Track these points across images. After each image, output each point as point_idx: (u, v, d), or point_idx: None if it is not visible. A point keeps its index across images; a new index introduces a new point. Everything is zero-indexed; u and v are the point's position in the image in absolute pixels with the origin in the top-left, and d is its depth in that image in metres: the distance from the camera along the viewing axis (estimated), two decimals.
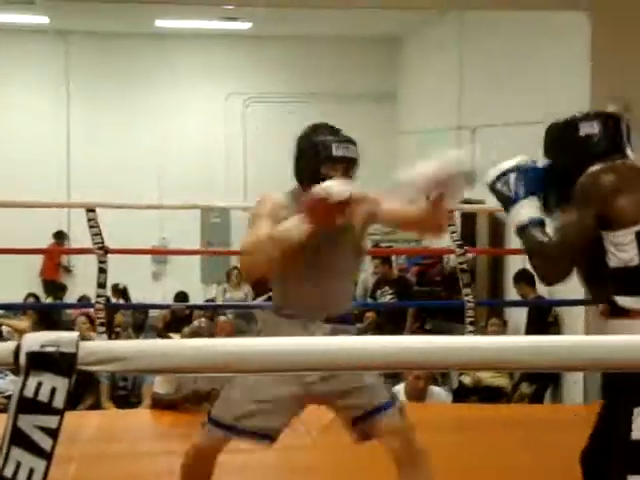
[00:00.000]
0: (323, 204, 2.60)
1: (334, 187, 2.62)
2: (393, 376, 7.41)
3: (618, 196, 2.51)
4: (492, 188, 2.73)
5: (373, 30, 11.25)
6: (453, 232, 5.36)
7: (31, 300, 9.62)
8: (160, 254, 11.67)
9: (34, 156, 11.44)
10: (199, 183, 11.27)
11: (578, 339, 1.44)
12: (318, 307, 2.83)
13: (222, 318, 7.88)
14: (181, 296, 10.18)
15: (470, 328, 5.30)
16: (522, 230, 2.64)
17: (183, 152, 11.78)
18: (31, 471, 1.31)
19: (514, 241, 9.26)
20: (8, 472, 1.31)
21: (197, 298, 10.76)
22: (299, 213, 2.67)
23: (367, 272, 10.25)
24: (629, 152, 2.67)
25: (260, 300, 9.19)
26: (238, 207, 10.82)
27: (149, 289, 10.86)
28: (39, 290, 10.91)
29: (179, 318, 8.68)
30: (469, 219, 9.11)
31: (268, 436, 2.84)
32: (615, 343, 1.42)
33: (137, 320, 9.00)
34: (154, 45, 11.63)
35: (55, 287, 11.16)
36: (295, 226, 2.65)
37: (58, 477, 1.47)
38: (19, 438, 1.30)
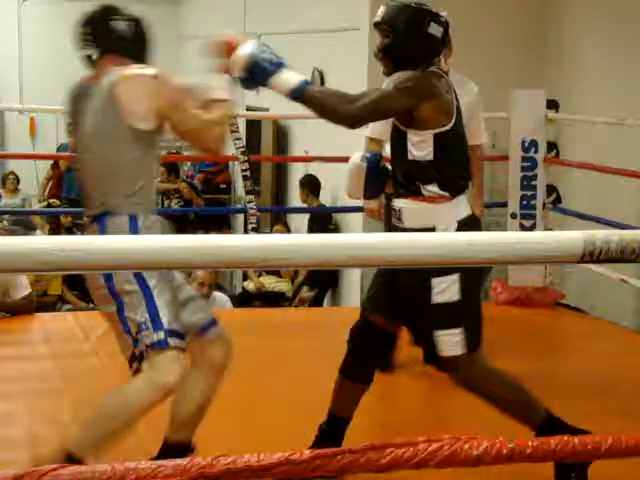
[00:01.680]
0: None
1: None
2: None
3: (431, 101, 2.78)
4: (251, 62, 2.86)
5: None
6: (237, 139, 5.36)
7: None
8: None
9: None
10: None
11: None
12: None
13: None
14: None
15: (253, 234, 5.36)
16: (299, 92, 2.74)
17: None
18: None
19: (297, 149, 9.38)
20: None
21: None
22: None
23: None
24: (442, 58, 2.97)
25: None
26: (14, 109, 10.36)
27: None
28: None
29: None
30: (254, 126, 9.14)
31: None
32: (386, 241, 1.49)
33: None
34: None
35: None
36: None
37: None
38: None
